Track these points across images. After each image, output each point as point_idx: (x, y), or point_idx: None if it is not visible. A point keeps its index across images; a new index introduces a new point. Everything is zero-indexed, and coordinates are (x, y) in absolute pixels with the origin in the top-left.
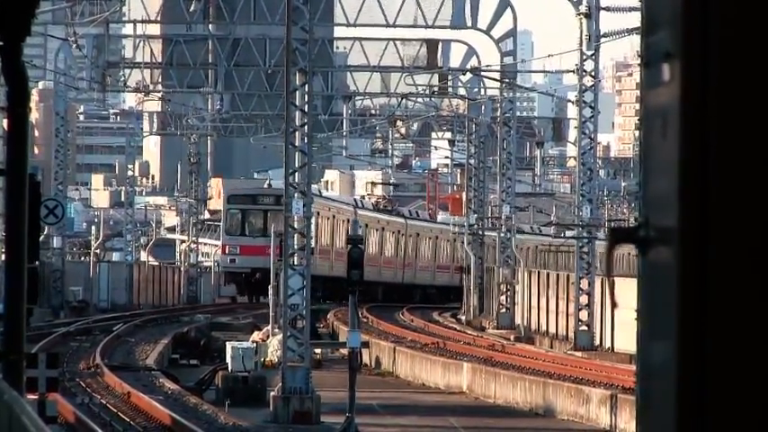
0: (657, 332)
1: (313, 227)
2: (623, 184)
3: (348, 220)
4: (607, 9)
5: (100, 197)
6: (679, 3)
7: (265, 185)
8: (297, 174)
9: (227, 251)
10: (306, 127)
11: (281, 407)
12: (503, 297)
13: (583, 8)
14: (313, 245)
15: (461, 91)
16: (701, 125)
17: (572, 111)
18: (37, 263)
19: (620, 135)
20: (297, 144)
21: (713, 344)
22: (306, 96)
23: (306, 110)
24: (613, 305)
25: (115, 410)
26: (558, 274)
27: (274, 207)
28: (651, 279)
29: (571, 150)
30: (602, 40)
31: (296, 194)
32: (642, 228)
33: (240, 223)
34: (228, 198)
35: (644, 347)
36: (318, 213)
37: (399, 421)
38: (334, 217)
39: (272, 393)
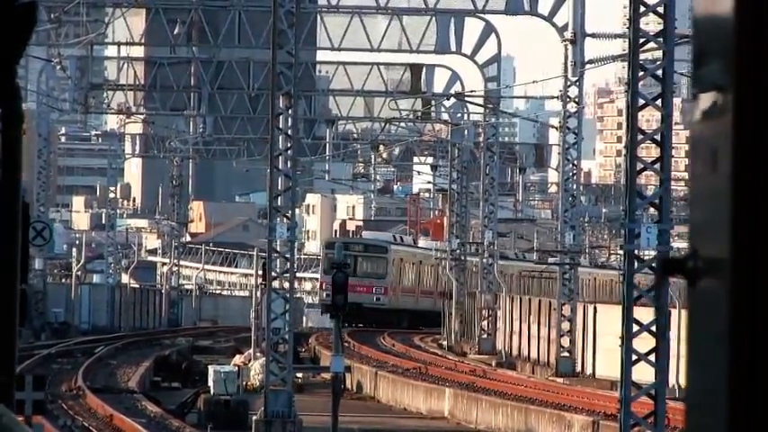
0: (706, 363)
1: (395, 270)
2: (604, 210)
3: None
4: (593, 36)
5: (81, 219)
6: (731, 35)
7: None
8: (280, 197)
9: (323, 287)
10: (290, 151)
11: (264, 431)
12: (484, 322)
13: (568, 35)
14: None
15: (444, 116)
16: (753, 157)
17: (553, 136)
18: (24, 285)
19: (601, 161)
20: (281, 168)
21: (764, 375)
22: (290, 120)
23: (290, 134)
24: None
25: None
26: (539, 300)
27: (362, 253)
28: (700, 310)
29: (552, 176)
30: (587, 66)
31: (278, 218)
32: (691, 259)
33: None
34: (326, 244)
35: (692, 378)
36: (402, 260)
37: None
38: (420, 262)
39: (254, 417)
